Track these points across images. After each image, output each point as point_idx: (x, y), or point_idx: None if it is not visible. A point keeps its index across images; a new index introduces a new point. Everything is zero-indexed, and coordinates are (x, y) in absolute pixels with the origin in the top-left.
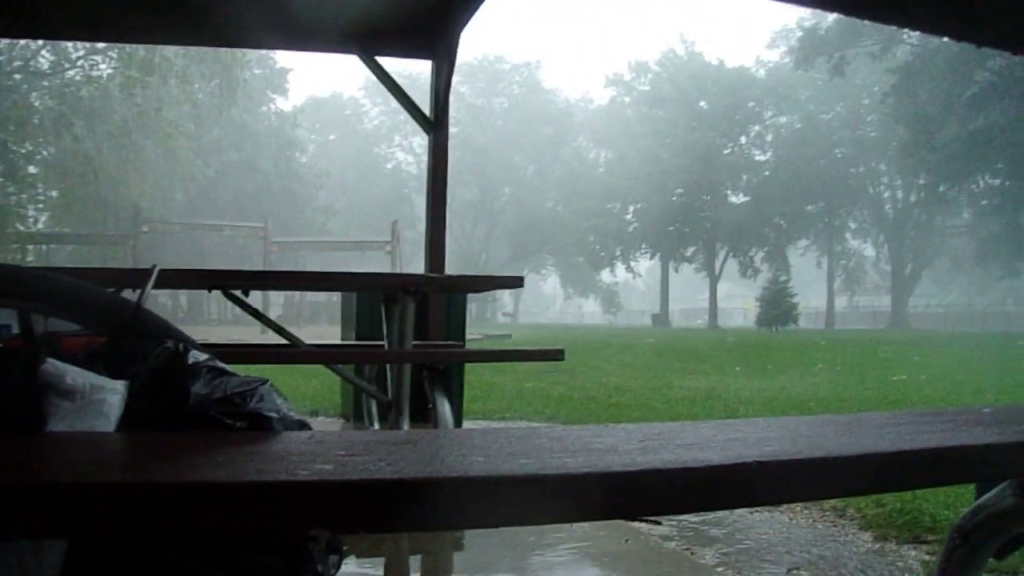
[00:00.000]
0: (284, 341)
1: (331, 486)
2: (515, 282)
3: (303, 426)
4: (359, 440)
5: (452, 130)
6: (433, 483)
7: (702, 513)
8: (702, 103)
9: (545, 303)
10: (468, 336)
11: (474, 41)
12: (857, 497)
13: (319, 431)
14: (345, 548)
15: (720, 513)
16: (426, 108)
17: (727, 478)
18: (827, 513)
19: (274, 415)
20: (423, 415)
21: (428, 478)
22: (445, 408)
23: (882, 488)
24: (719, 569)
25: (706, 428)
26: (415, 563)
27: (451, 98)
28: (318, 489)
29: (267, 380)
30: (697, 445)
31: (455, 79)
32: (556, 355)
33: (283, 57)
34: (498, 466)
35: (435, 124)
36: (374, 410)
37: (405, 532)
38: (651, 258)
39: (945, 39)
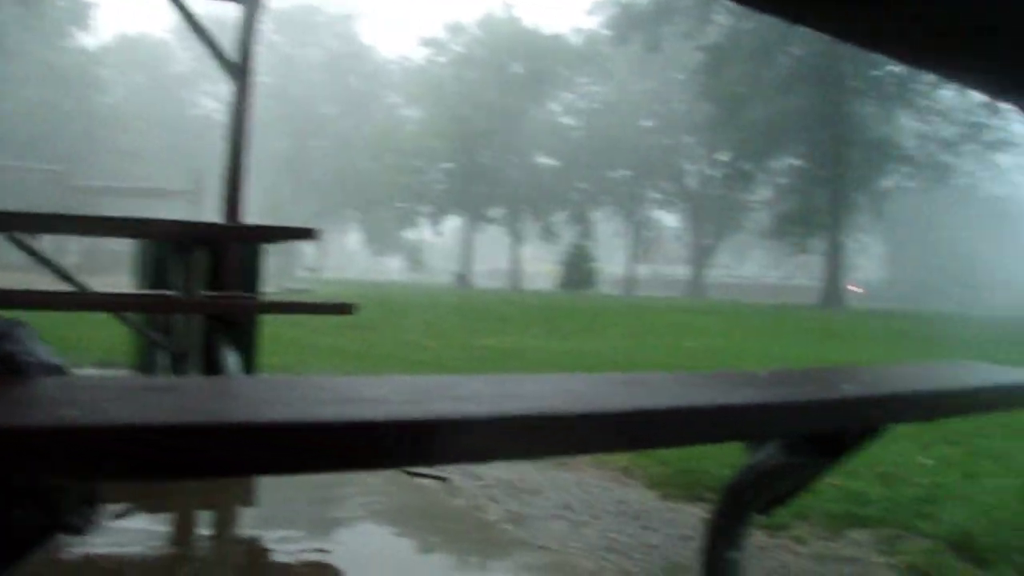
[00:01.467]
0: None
1: (72, 432)
2: (309, 234)
3: (61, 371)
4: (117, 386)
5: (264, 79)
6: (179, 430)
7: (492, 471)
8: (516, 67)
9: (350, 259)
10: (268, 290)
11: None
12: (641, 457)
13: (79, 377)
14: (130, 504)
15: (511, 472)
16: (234, 54)
17: (492, 431)
18: (614, 471)
19: (29, 359)
20: (216, 368)
21: (174, 425)
22: (233, 360)
23: (652, 444)
24: (504, 525)
25: (479, 383)
26: (205, 519)
27: (265, 47)
28: (58, 435)
29: (24, 322)
30: (468, 398)
31: (269, 27)
32: (347, 309)
33: None
34: (254, 414)
35: (240, 70)
36: (166, 362)
37: (155, 481)
38: (457, 218)
39: (755, 24)
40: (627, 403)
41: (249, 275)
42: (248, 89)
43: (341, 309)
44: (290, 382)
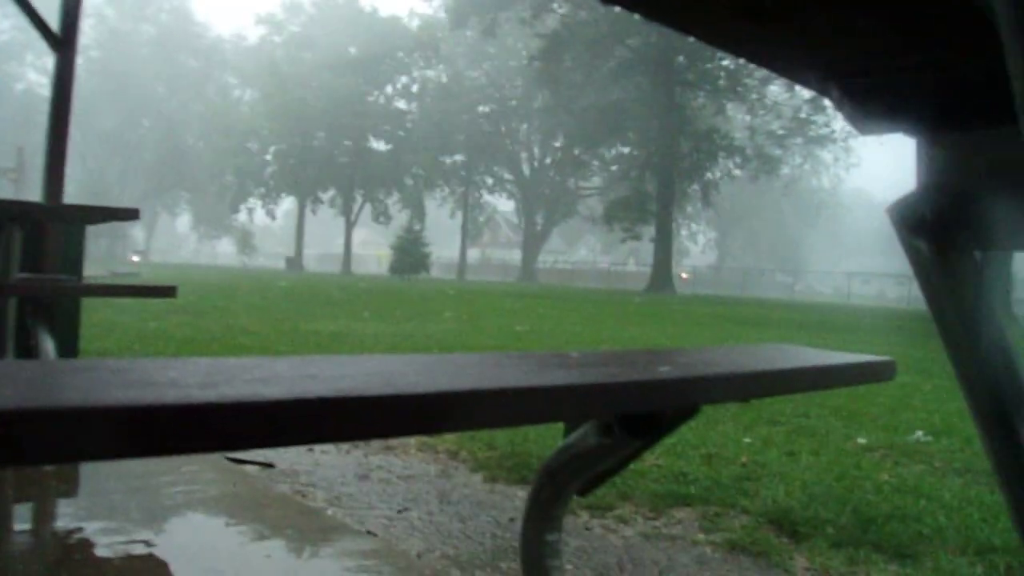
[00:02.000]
0: None
1: None
2: (132, 214)
3: None
4: None
5: (92, 54)
6: None
7: (317, 456)
8: (352, 49)
9: (179, 242)
10: (94, 273)
11: None
12: (469, 440)
13: None
14: None
15: (336, 456)
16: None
17: (286, 414)
18: (441, 455)
19: None
20: (32, 353)
21: None
22: (48, 345)
23: (453, 427)
24: (329, 511)
25: (281, 364)
26: (22, 513)
27: (93, 20)
28: None
29: None
30: (265, 380)
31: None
32: (169, 291)
33: None
34: (28, 400)
35: (63, 42)
36: None
37: None
38: (289, 200)
39: (593, 13)
40: (429, 384)
41: (70, 257)
42: (71, 63)
43: (163, 292)
44: (80, 365)
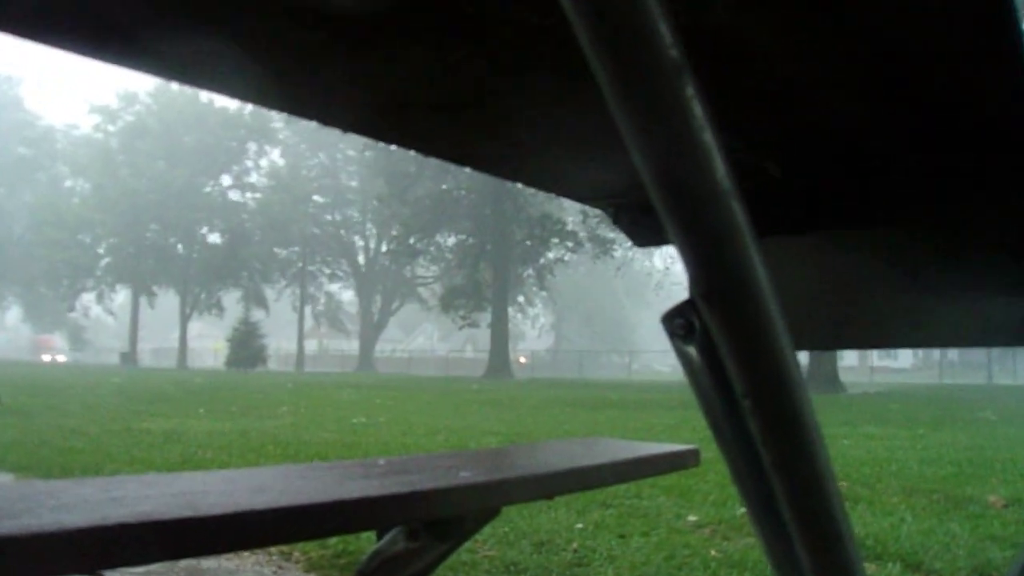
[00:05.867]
0: None
1: None
2: None
3: None
4: None
5: None
6: None
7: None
8: (187, 139)
9: (7, 337)
10: None
11: None
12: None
13: None
14: None
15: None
16: None
17: (87, 542)
18: (274, 556)
19: None
20: None
21: None
22: None
23: (264, 544)
24: None
25: (88, 487)
26: None
27: None
28: None
29: None
30: (70, 506)
31: None
32: None
33: None
34: None
35: None
36: None
37: None
38: (123, 295)
39: None
40: (230, 504)
41: None
42: None
43: None
44: None
